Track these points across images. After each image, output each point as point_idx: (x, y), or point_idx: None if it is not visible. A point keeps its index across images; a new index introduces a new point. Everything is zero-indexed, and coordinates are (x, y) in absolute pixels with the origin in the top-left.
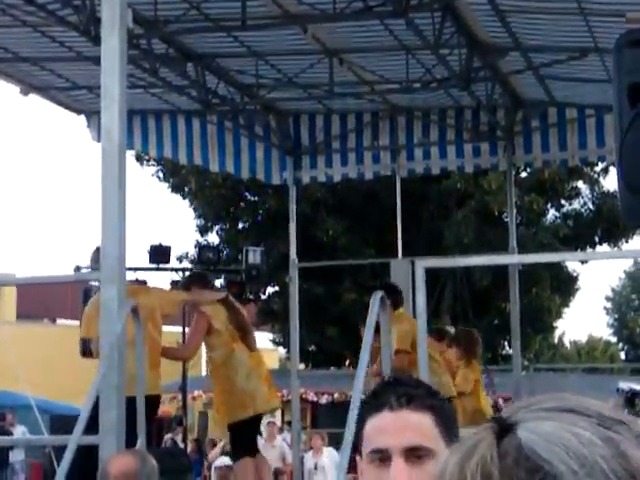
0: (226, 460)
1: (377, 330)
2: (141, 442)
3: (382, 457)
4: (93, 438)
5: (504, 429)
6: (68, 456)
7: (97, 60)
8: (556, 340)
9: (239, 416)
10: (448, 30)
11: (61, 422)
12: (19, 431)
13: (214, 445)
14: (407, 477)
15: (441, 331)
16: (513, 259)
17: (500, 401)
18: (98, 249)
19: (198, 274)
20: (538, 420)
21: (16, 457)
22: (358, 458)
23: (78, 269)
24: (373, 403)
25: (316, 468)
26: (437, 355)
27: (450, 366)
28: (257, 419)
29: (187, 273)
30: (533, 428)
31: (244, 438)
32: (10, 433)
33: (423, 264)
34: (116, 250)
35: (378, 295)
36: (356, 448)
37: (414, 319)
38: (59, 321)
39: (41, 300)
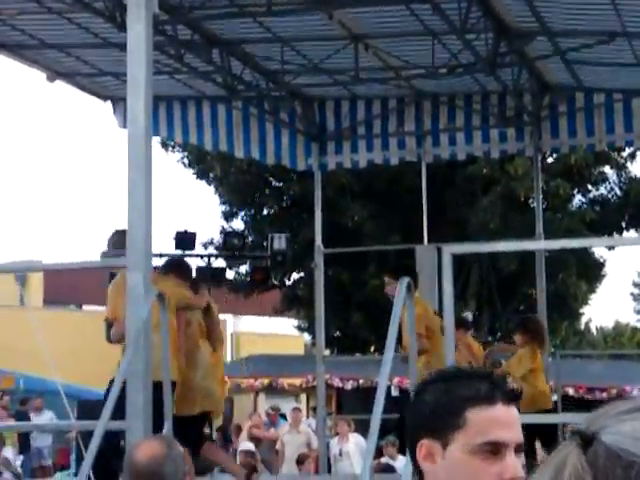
0: (250, 445)
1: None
2: (168, 427)
3: (494, 450)
4: (120, 423)
5: (587, 439)
6: (95, 441)
7: (123, 46)
8: (582, 326)
9: (184, 411)
10: (474, 15)
11: (88, 407)
12: (47, 416)
13: (239, 430)
14: (522, 472)
15: (458, 319)
16: (540, 245)
17: None
18: (116, 233)
19: (178, 262)
20: (618, 423)
21: (44, 442)
22: (432, 443)
23: (104, 255)
24: (476, 393)
25: (341, 454)
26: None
27: (471, 350)
28: (202, 418)
29: (212, 259)
30: (616, 431)
31: (186, 434)
32: (28, 418)
33: (450, 250)
34: (142, 236)
35: (405, 281)
36: (430, 432)
37: (425, 303)
38: (85, 307)
39: (68, 285)
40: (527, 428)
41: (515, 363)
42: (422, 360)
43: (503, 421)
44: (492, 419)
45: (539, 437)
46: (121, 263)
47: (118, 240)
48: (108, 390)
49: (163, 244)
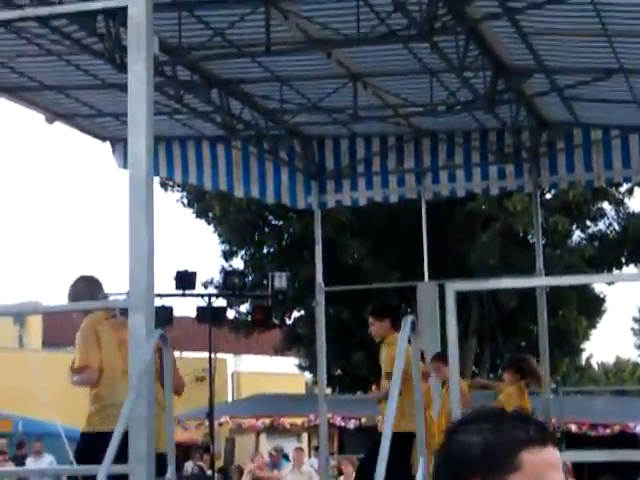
0: None
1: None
2: (171, 470)
3: None
4: (123, 468)
5: None
6: None
7: (122, 87)
8: (583, 362)
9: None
10: (472, 53)
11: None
12: (47, 460)
13: (241, 472)
14: None
15: (443, 354)
16: (542, 282)
17: None
18: (79, 280)
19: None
20: None
21: None
22: None
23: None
24: (528, 435)
25: None
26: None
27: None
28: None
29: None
30: None
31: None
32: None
33: (454, 287)
34: (144, 278)
35: (409, 320)
36: (481, 474)
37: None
38: None
39: (67, 326)
40: None
41: (504, 401)
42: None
43: (555, 463)
44: (546, 461)
45: None
46: (122, 305)
47: (81, 290)
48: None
49: (163, 284)
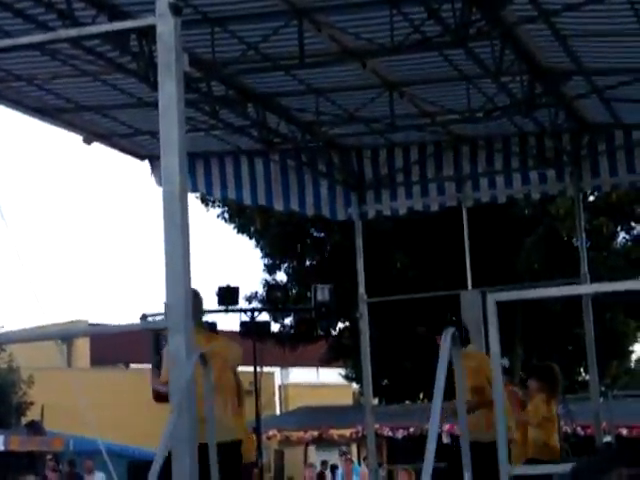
0: None
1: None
2: None
3: None
4: None
5: None
6: None
7: (157, 105)
8: (633, 365)
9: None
10: (508, 57)
11: (140, 467)
12: (99, 477)
13: None
14: None
15: None
16: (587, 289)
17: (579, 429)
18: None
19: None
20: None
21: None
22: None
23: (144, 317)
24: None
25: None
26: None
27: (511, 399)
28: None
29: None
30: None
31: None
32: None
33: (495, 298)
34: (182, 297)
35: (449, 331)
36: None
37: (481, 356)
38: (133, 365)
39: (114, 344)
40: None
41: (532, 410)
42: (484, 415)
43: None
44: None
45: None
46: (162, 325)
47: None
48: None
49: (206, 300)
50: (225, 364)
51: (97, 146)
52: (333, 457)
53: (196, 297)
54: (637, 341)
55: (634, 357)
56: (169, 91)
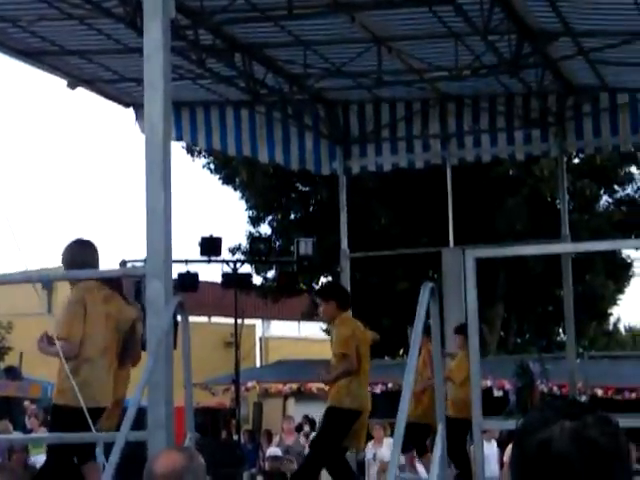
0: (277, 450)
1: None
2: (190, 438)
3: None
4: (142, 434)
5: None
6: (117, 451)
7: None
8: (611, 327)
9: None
10: (497, 16)
11: None
12: None
13: (269, 436)
14: None
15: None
16: (565, 248)
17: (555, 389)
18: (69, 248)
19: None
20: None
21: None
22: None
23: (124, 263)
24: None
25: (375, 459)
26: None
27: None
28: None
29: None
30: None
31: None
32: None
33: (474, 254)
34: (162, 244)
35: (428, 286)
36: None
37: (355, 323)
38: None
39: None
40: None
41: (456, 369)
42: (344, 383)
43: None
44: None
45: None
46: (140, 272)
47: (76, 255)
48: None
49: (189, 250)
50: (116, 327)
51: (81, 91)
52: (312, 410)
53: (95, 251)
54: (616, 304)
55: (612, 319)
56: (155, 37)
